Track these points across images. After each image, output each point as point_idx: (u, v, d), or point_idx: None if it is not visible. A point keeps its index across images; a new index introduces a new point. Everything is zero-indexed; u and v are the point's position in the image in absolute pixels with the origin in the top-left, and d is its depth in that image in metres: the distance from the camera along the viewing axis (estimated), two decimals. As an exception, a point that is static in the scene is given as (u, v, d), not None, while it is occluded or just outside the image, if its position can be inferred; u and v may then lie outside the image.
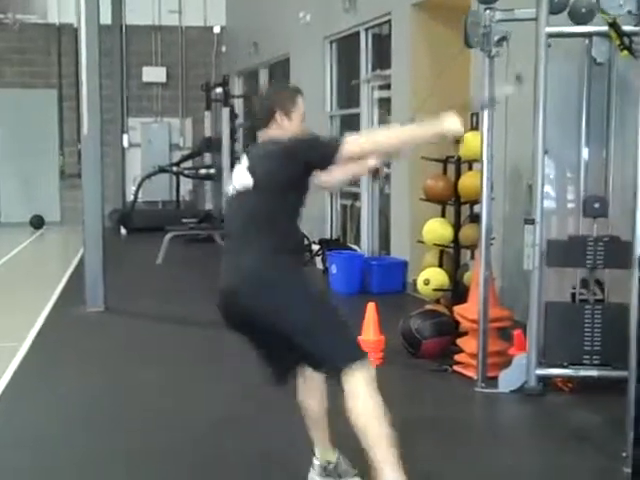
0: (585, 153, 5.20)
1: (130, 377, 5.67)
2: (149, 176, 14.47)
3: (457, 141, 4.09)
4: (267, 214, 3.50)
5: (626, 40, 4.45)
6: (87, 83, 7.70)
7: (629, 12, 4.56)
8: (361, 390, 3.31)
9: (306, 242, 10.36)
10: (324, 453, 3.74)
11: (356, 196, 10.46)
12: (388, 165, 4.65)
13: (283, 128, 3.60)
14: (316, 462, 3.75)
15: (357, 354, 3.39)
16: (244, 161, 3.63)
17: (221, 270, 3.54)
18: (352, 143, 3.45)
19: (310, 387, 3.66)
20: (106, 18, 14.00)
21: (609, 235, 5.09)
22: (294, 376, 3.65)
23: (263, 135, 3.66)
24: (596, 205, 5.09)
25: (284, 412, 4.12)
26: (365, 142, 3.58)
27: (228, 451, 4.28)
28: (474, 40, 5.11)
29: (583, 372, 5.11)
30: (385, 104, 9.64)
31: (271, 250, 3.45)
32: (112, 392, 5.36)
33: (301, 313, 3.38)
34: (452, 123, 3.48)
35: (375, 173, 4.12)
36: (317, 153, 3.51)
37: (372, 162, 3.78)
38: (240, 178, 3.59)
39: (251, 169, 3.55)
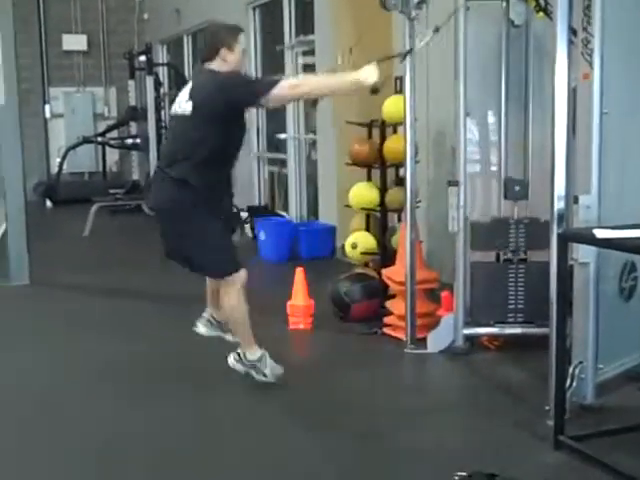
0: (505, 115, 5.25)
1: (57, 350, 5.60)
2: (74, 147, 14.15)
3: (374, 91, 4.30)
4: (196, 140, 4.19)
5: (541, 2, 4.50)
6: (2, 52, 7.49)
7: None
8: (232, 291, 4.39)
9: (234, 210, 10.29)
10: (212, 311, 4.82)
11: (283, 163, 10.44)
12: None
13: (226, 62, 4.27)
14: (205, 315, 4.84)
15: (233, 267, 4.40)
16: (189, 86, 4.35)
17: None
18: (284, 88, 4.10)
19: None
20: (22, -16, 13.63)
21: (529, 217, 5.17)
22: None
23: (208, 66, 4.30)
24: (517, 188, 5.16)
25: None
26: (298, 89, 4.22)
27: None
28: (391, 3, 5.12)
29: (508, 330, 5.23)
30: (309, 69, 9.60)
31: (187, 172, 4.20)
32: (37, 367, 5.26)
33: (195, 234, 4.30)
34: (368, 72, 4.14)
35: (314, 102, 4.92)
36: (244, 91, 4.20)
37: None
38: (183, 101, 4.28)
39: (191, 95, 4.24)
